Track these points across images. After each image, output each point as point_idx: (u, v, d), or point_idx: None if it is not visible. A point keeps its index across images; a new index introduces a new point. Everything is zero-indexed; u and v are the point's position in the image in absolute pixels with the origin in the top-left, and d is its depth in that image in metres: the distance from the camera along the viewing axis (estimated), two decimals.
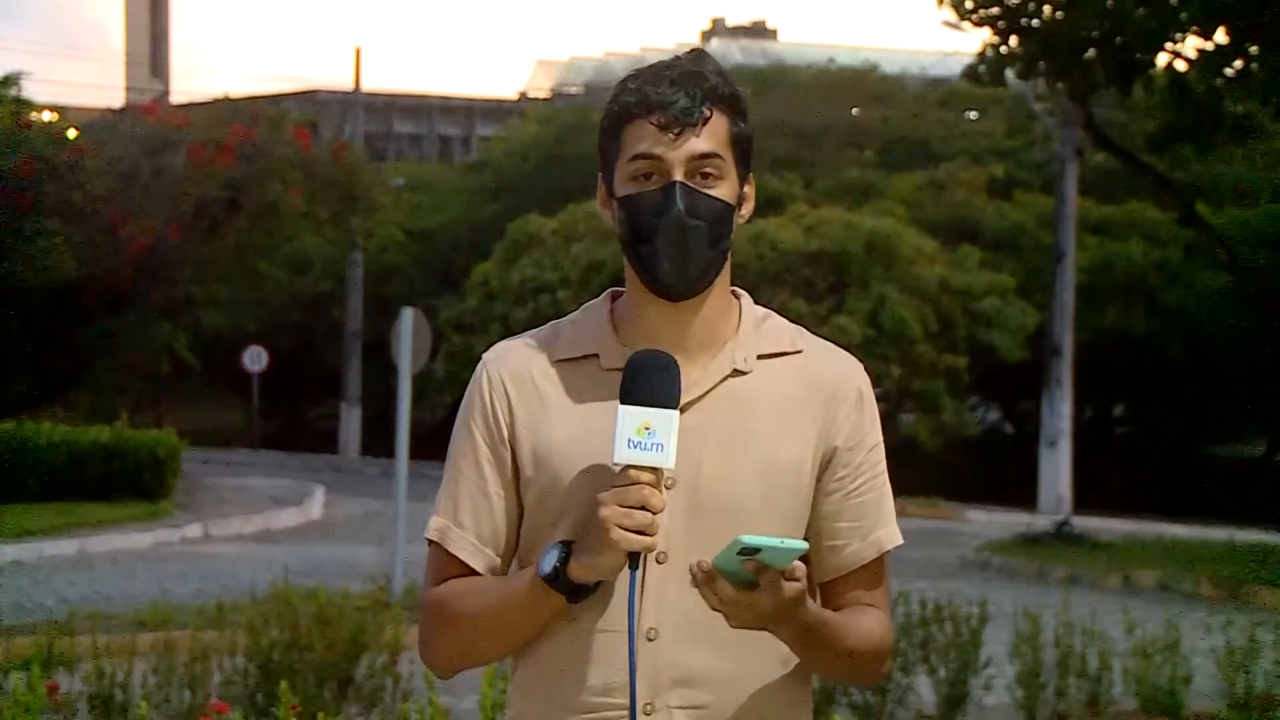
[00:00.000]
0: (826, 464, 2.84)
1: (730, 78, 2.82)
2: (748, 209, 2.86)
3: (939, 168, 35.16)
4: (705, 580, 2.61)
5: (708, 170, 2.76)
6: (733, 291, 2.89)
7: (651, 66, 2.82)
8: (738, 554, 2.57)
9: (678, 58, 2.83)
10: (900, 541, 2.91)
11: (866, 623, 2.83)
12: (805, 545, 2.60)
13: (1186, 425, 33.71)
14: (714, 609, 2.64)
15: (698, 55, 2.84)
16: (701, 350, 2.82)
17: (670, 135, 2.74)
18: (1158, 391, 32.98)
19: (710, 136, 2.76)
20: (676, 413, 2.68)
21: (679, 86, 2.76)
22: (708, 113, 2.76)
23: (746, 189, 2.84)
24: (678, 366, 2.71)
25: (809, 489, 2.83)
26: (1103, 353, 30.49)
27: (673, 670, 2.75)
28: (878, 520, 2.88)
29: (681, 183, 2.75)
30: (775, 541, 2.57)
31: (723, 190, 2.78)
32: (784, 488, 2.80)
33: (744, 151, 2.81)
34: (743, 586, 2.60)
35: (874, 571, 2.88)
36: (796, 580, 2.62)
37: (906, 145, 38.05)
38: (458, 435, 2.88)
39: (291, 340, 38.97)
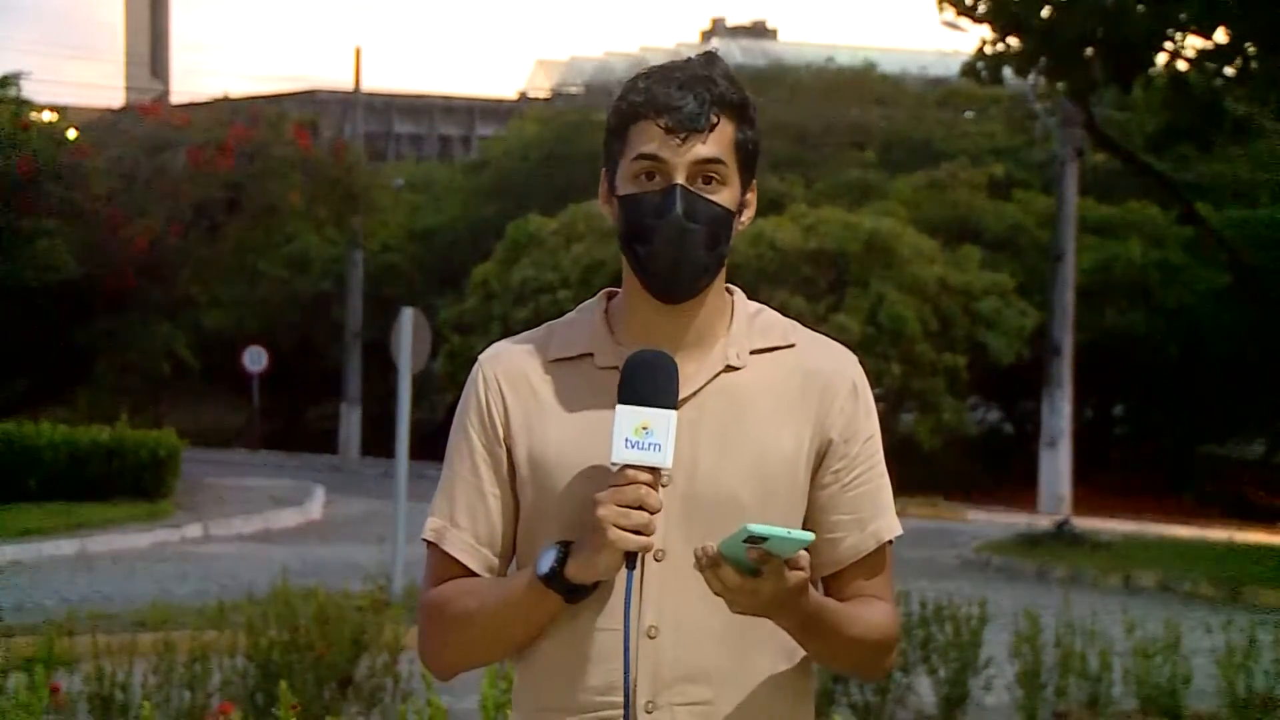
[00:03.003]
0: (822, 457, 2.84)
1: (739, 83, 2.81)
2: (748, 216, 2.85)
3: (939, 168, 35.16)
4: (710, 565, 2.61)
5: (710, 175, 2.76)
6: (726, 288, 2.90)
7: (662, 67, 2.82)
8: (744, 541, 2.58)
9: (689, 60, 2.82)
10: (899, 532, 2.91)
11: (870, 613, 2.83)
12: (811, 536, 2.60)
13: (1186, 425, 33.70)
14: (716, 593, 2.64)
15: (709, 58, 2.83)
16: (695, 347, 2.83)
17: (676, 139, 2.74)
18: (1158, 391, 32.97)
19: (715, 142, 2.76)
20: (674, 413, 2.68)
21: (688, 90, 2.76)
22: (715, 118, 2.76)
23: (748, 196, 2.84)
24: (675, 367, 2.72)
25: (804, 482, 2.83)
26: (1103, 353, 30.50)
27: (675, 667, 2.76)
28: (876, 512, 2.88)
29: (682, 186, 2.75)
30: (782, 532, 2.58)
31: (723, 196, 2.78)
32: (779, 481, 2.80)
33: (748, 158, 2.81)
34: (746, 573, 2.61)
35: (875, 563, 2.88)
36: (801, 569, 2.63)
37: (906, 145, 38.05)
38: (454, 436, 2.88)
39: (291, 340, 38.97)
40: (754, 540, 2.57)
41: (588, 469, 2.76)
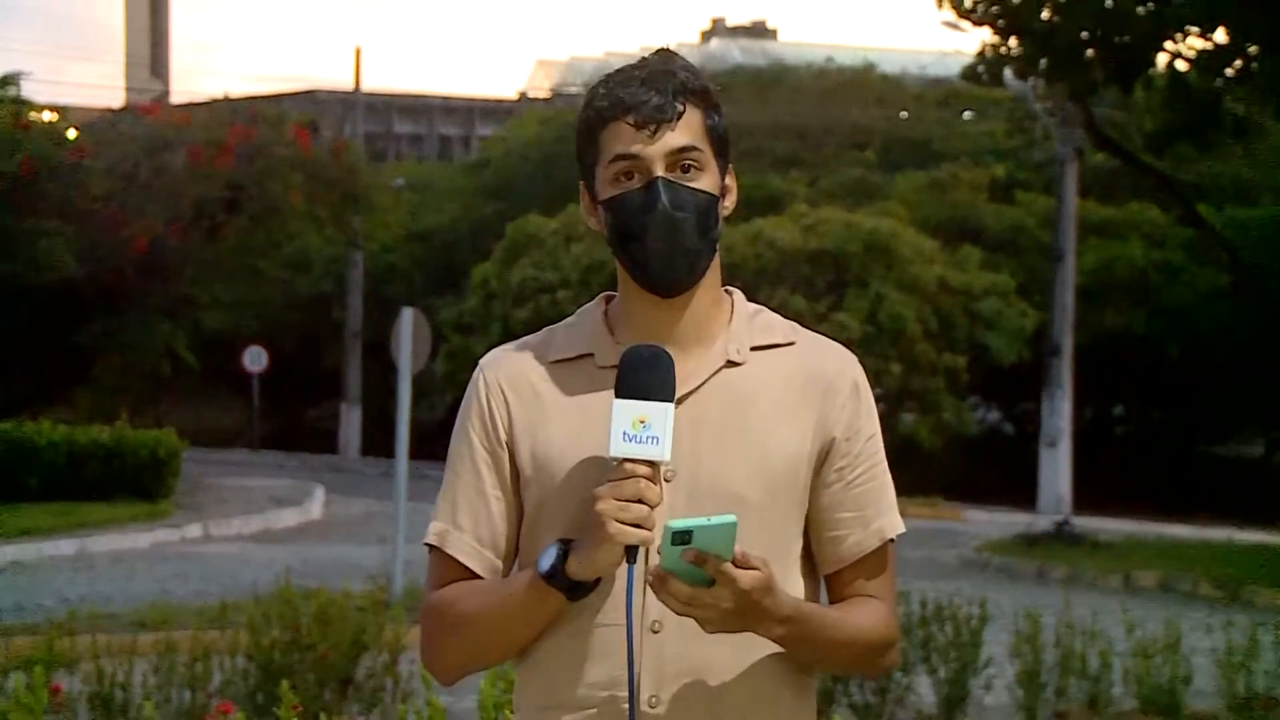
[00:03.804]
0: (825, 455, 2.85)
1: (699, 72, 2.85)
2: (730, 200, 2.88)
3: (939, 168, 35.17)
4: (659, 585, 2.62)
5: (688, 163, 2.79)
6: (725, 289, 2.91)
7: (620, 70, 2.85)
8: (673, 544, 2.57)
9: (644, 59, 2.86)
10: (902, 529, 2.91)
11: (861, 615, 2.83)
12: (733, 519, 2.59)
13: (1186, 425, 33.72)
14: (679, 613, 2.64)
15: (665, 54, 2.87)
16: (695, 344, 2.84)
17: (647, 133, 2.77)
18: (1158, 391, 32.99)
19: (686, 130, 2.79)
20: (671, 405, 2.69)
21: (650, 85, 2.79)
22: (681, 107, 2.79)
23: (728, 180, 2.87)
24: (671, 360, 2.72)
25: (807, 479, 2.84)
26: (1103, 353, 30.50)
27: (678, 662, 2.76)
28: (879, 509, 2.88)
29: (663, 178, 2.77)
30: (702, 521, 2.57)
31: (704, 182, 2.80)
32: (782, 478, 2.81)
33: (721, 142, 2.84)
34: (700, 584, 2.60)
35: (877, 561, 2.88)
36: (753, 568, 2.63)
37: (906, 145, 38.08)
38: (455, 441, 2.89)
39: (291, 340, 38.98)
40: (682, 540, 2.56)
41: (588, 465, 2.76)
